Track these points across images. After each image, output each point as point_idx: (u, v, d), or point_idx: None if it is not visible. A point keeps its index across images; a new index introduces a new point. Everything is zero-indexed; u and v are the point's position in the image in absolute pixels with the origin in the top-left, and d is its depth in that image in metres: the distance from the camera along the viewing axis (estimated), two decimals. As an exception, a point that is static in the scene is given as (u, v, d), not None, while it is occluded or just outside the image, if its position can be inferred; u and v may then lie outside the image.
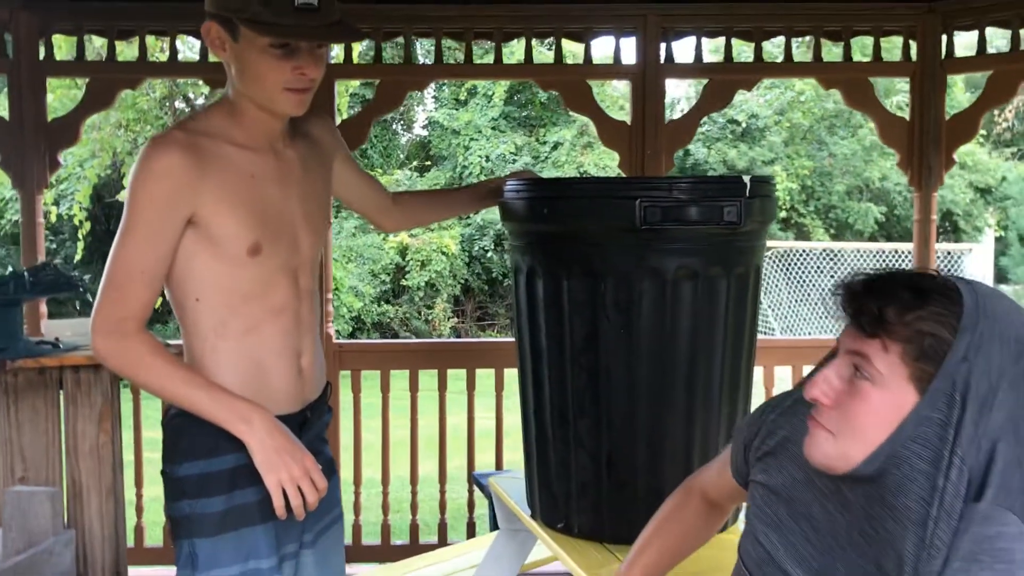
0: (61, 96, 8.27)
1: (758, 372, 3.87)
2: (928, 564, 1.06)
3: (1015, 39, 3.37)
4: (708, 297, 1.81)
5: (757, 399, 2.72)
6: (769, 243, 12.99)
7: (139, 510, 3.63)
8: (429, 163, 14.49)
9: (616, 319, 1.79)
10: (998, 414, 1.07)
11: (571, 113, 10.87)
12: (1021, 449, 1.08)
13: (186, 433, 1.66)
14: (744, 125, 14.44)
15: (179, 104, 10.53)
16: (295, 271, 1.73)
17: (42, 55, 3.40)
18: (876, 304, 1.10)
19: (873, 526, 1.11)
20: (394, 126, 14.93)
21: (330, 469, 1.86)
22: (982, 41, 3.47)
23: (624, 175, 3.56)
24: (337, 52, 3.56)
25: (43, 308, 3.38)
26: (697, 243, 1.78)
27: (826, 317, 1.18)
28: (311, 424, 1.79)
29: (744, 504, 1.42)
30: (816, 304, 11.95)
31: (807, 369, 3.73)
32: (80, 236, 9.71)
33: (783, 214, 14.45)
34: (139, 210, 1.59)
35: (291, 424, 1.72)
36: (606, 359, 1.82)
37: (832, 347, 1.20)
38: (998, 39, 3.51)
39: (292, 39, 1.57)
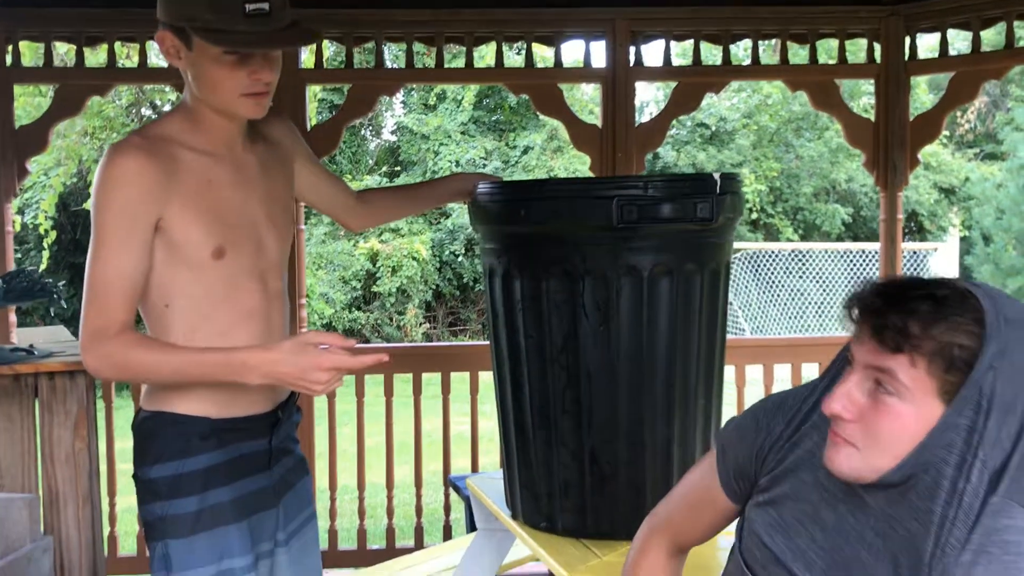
0: (25, 104, 8.18)
1: (729, 371, 3.92)
2: (942, 560, 1.07)
3: (975, 41, 3.44)
4: (684, 293, 1.84)
5: (727, 397, 2.75)
6: (739, 244, 13.00)
7: (112, 519, 3.60)
8: (399, 168, 14.48)
9: (595, 317, 1.81)
10: (1019, 415, 1.08)
11: (541, 117, 10.89)
12: None
13: (158, 435, 1.67)
14: (713, 128, 14.57)
15: (146, 111, 10.45)
16: (263, 274, 1.74)
17: (9, 62, 3.37)
18: (899, 317, 1.09)
19: (893, 526, 1.12)
20: (363, 131, 14.89)
21: (303, 468, 1.89)
22: (944, 43, 3.54)
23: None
24: (307, 56, 3.55)
25: (12, 317, 3.35)
26: (672, 240, 1.81)
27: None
28: (282, 424, 1.80)
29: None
30: (786, 304, 12.06)
31: (778, 368, 3.80)
32: (45, 245, 9.59)
33: (752, 215, 14.59)
34: (109, 217, 1.58)
35: (263, 424, 1.74)
36: (586, 358, 1.84)
37: (844, 356, 1.18)
38: (960, 41, 3.57)
39: (244, 48, 1.58)
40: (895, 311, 1.09)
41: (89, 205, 1.62)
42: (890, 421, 1.10)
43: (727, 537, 1.43)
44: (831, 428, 1.16)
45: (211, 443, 1.66)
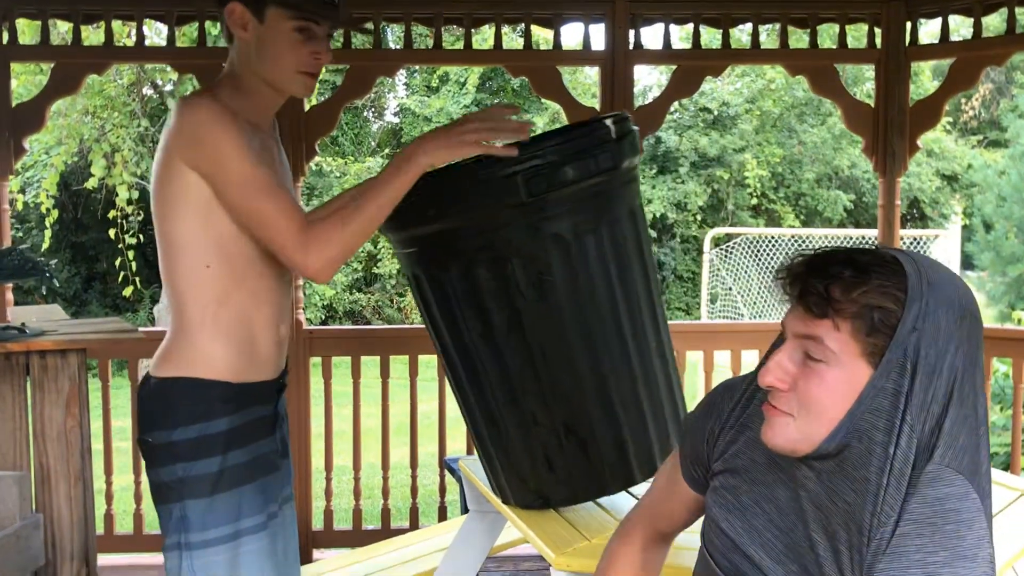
0: (26, 82, 8.16)
1: (725, 356, 3.93)
2: (878, 530, 1.08)
3: (977, 26, 3.42)
4: (612, 244, 1.82)
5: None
6: (739, 229, 12.85)
7: (109, 498, 3.61)
8: (400, 151, 14.43)
9: (532, 294, 1.79)
10: (946, 378, 1.09)
11: (543, 100, 10.84)
12: (966, 409, 1.11)
13: (180, 399, 1.71)
14: (715, 113, 14.52)
15: (147, 91, 10.41)
16: None
17: (6, 40, 3.36)
18: (821, 284, 1.10)
19: (834, 499, 1.13)
20: (365, 113, 14.86)
21: (285, 450, 1.93)
22: (945, 28, 3.52)
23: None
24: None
25: (9, 295, 3.35)
26: (585, 198, 1.78)
27: (779, 303, 1.18)
28: (283, 390, 1.88)
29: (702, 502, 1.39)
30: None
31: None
32: (47, 224, 9.58)
33: (753, 201, 14.56)
34: (226, 140, 1.62)
35: (271, 389, 1.82)
36: (534, 334, 1.82)
37: (780, 333, 1.19)
38: (965, 27, 3.55)
39: (318, 20, 1.72)
40: (818, 278, 1.11)
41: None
42: (820, 387, 1.11)
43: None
44: (766, 402, 1.17)
45: (231, 406, 1.71)
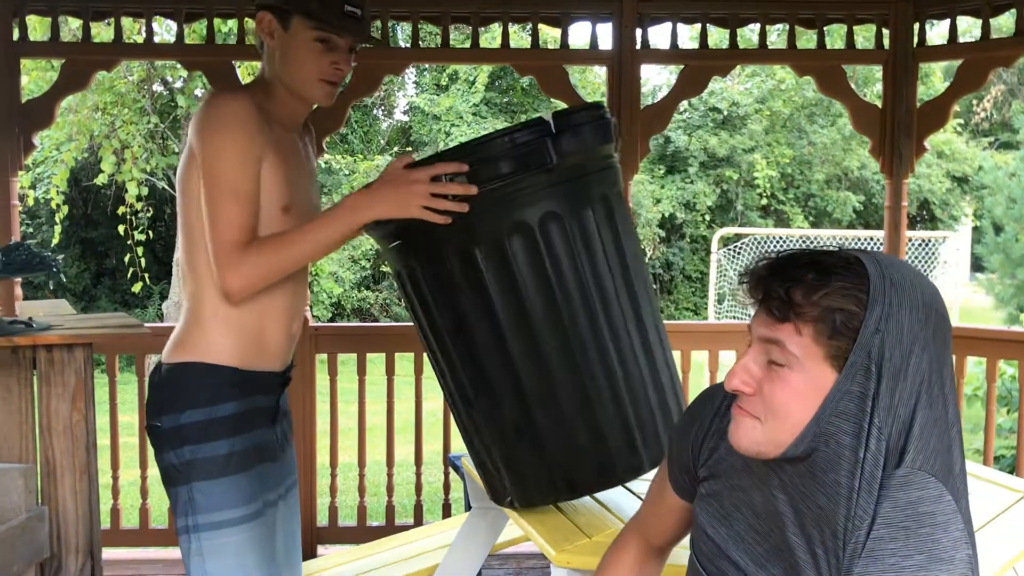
0: (36, 78, 8.19)
1: (730, 356, 3.92)
2: (853, 534, 1.07)
3: (985, 28, 3.41)
4: (581, 232, 1.79)
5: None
6: (748, 229, 12.73)
7: (115, 492, 3.64)
8: (410, 149, 14.46)
9: (498, 284, 1.76)
10: (912, 380, 1.08)
11: (552, 99, 10.85)
12: (935, 411, 1.10)
13: (189, 383, 1.76)
14: (725, 113, 14.50)
15: (157, 87, 10.44)
16: None
17: (16, 36, 3.38)
18: (782, 287, 1.09)
19: (806, 503, 1.12)
20: (375, 111, 14.88)
21: (285, 443, 1.97)
22: (953, 30, 3.51)
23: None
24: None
25: (18, 291, 3.37)
26: (516, 195, 1.74)
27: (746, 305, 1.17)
28: (289, 384, 1.93)
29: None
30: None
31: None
32: (57, 220, 9.62)
33: (763, 201, 14.53)
34: (226, 139, 1.69)
35: (275, 381, 1.87)
36: (505, 328, 1.79)
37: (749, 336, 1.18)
38: (977, 29, 3.53)
39: (338, 32, 1.81)
40: (779, 281, 1.10)
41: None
42: (784, 391, 1.10)
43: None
44: (735, 403, 1.16)
45: (237, 391, 1.77)
